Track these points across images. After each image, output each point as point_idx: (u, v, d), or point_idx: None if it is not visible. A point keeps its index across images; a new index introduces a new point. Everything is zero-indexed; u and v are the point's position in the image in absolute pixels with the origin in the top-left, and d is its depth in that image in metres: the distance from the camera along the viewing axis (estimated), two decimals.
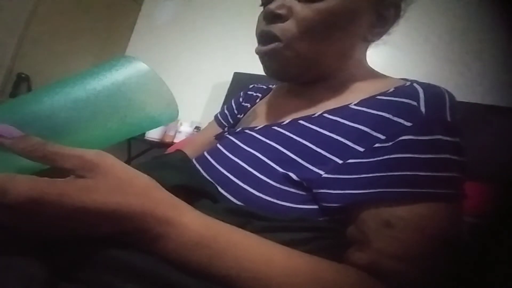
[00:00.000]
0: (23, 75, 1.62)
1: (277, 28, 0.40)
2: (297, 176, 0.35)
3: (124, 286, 0.24)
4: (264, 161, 0.38)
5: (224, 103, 1.51)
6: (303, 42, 0.40)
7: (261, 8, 0.46)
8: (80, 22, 1.85)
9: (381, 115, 0.36)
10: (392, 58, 1.35)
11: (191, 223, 0.26)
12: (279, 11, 0.40)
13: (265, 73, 0.46)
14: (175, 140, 1.63)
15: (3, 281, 0.20)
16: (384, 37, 0.45)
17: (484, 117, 1.02)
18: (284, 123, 0.43)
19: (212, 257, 0.26)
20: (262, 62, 0.45)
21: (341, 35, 0.41)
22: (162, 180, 0.28)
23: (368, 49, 0.48)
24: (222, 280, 0.25)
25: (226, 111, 0.63)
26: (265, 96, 0.58)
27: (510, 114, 1.02)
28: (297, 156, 0.37)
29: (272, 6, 0.40)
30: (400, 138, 0.33)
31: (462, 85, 1.22)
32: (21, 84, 1.62)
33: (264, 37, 0.42)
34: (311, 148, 0.37)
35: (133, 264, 0.25)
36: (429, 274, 0.29)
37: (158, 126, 0.33)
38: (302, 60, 0.41)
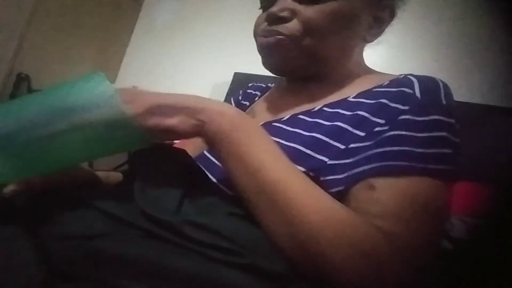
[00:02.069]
0: (23, 75, 1.62)
1: (281, 27, 0.41)
2: (303, 167, 0.35)
3: (120, 282, 0.24)
4: None
5: None
6: (307, 38, 0.40)
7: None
8: (80, 22, 1.85)
9: (379, 102, 0.37)
10: (392, 58, 1.35)
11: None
12: (282, 14, 0.40)
13: (264, 66, 0.46)
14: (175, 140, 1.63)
15: (3, 281, 0.20)
16: (379, 37, 0.47)
17: (484, 117, 1.02)
18: (284, 119, 0.43)
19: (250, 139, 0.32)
20: (263, 55, 0.45)
21: (343, 35, 0.42)
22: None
23: (364, 50, 0.49)
24: (252, 163, 0.30)
25: None
26: (264, 94, 0.59)
27: (510, 114, 1.01)
28: (300, 145, 0.37)
29: (274, 9, 0.41)
30: (399, 118, 0.34)
31: (462, 85, 1.22)
32: (21, 84, 1.62)
33: (267, 33, 0.43)
34: (313, 136, 0.37)
35: (133, 261, 0.25)
36: (414, 235, 0.29)
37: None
38: (305, 55, 0.42)
